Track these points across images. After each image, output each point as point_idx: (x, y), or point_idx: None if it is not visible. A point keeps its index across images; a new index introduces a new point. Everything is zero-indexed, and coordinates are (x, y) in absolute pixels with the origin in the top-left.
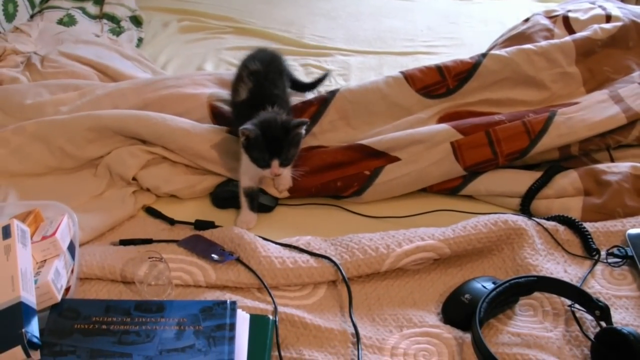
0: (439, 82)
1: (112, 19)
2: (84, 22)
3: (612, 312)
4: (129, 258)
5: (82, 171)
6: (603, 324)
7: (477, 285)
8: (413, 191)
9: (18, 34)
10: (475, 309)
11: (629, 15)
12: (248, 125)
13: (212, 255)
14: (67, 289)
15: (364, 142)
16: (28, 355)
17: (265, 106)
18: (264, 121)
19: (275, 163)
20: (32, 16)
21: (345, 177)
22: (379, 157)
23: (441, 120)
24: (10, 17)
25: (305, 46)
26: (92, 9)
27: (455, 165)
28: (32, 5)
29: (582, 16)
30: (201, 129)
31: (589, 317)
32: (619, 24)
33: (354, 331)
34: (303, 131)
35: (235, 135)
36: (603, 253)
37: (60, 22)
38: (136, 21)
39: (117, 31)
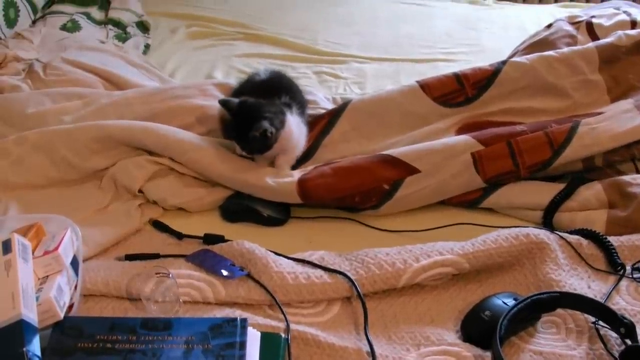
0: (457, 91)
1: (118, 24)
2: (89, 27)
3: (637, 330)
4: (135, 274)
5: (86, 183)
6: (628, 341)
7: (498, 301)
8: (431, 204)
9: (19, 40)
10: (496, 326)
11: None
12: (229, 100)
13: (222, 270)
14: (70, 306)
15: (383, 152)
16: None
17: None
18: (244, 103)
19: (237, 145)
20: (34, 22)
21: (363, 192)
22: (398, 166)
23: (460, 130)
24: (11, 22)
25: (319, 53)
26: (97, 14)
27: (475, 177)
28: (35, 11)
29: (606, 22)
30: (210, 142)
31: (614, 334)
32: None
33: (369, 350)
34: (269, 135)
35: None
36: (628, 268)
37: (64, 27)
38: (143, 27)
39: (123, 37)
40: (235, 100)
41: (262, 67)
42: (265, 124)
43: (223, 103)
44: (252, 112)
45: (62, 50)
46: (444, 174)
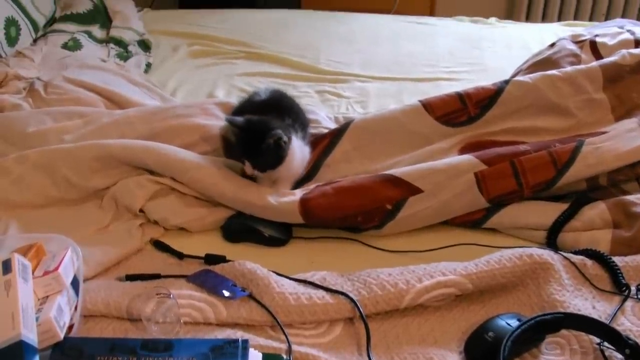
0: (460, 110)
1: (119, 43)
2: (90, 46)
3: None
4: (136, 294)
5: (86, 202)
6: None
7: (501, 322)
8: (434, 224)
9: (20, 59)
10: (500, 347)
11: None
12: (235, 118)
13: (223, 291)
14: (70, 327)
15: (385, 172)
16: None
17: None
18: (250, 119)
19: (248, 163)
20: (35, 40)
21: (366, 212)
22: (400, 186)
23: (463, 149)
24: (12, 40)
25: (321, 72)
26: (99, 32)
27: (478, 197)
28: (36, 29)
29: (610, 41)
30: (211, 161)
31: (619, 355)
32: None
33: None
34: (282, 144)
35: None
36: (633, 288)
37: (65, 46)
38: (144, 45)
39: (125, 56)
40: (240, 118)
41: (262, 86)
42: (279, 132)
43: (230, 121)
44: (262, 125)
45: (63, 68)
46: (446, 193)
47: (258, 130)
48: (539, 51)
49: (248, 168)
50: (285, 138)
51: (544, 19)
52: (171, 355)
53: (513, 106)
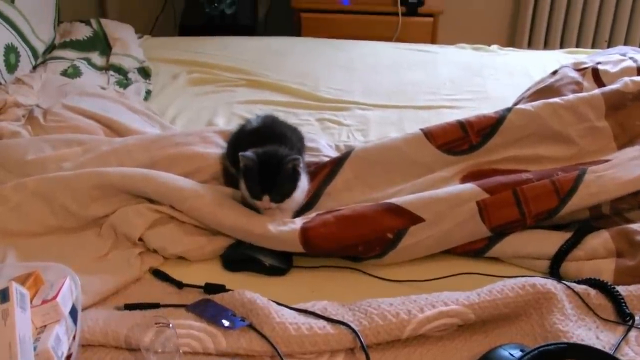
0: (461, 138)
1: (119, 70)
2: (90, 73)
3: None
4: (134, 323)
5: (85, 231)
6: None
7: (504, 352)
8: (436, 253)
9: (20, 86)
10: None
11: None
12: (247, 153)
13: (223, 320)
14: (69, 357)
15: (387, 201)
16: None
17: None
18: (263, 152)
19: (266, 197)
20: (34, 67)
21: (367, 242)
22: (402, 215)
23: (465, 178)
24: (11, 67)
25: (321, 99)
26: (98, 60)
27: (480, 226)
28: (35, 56)
29: (612, 68)
30: (210, 190)
31: None
32: None
33: None
34: (299, 169)
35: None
36: (637, 318)
37: (65, 73)
38: (144, 73)
39: (124, 83)
40: (250, 153)
41: (257, 113)
42: (294, 155)
43: (244, 156)
44: (273, 156)
45: (62, 96)
46: (448, 223)
47: (272, 163)
48: (541, 79)
49: (265, 202)
50: (300, 160)
51: (546, 46)
52: None
53: (515, 134)
